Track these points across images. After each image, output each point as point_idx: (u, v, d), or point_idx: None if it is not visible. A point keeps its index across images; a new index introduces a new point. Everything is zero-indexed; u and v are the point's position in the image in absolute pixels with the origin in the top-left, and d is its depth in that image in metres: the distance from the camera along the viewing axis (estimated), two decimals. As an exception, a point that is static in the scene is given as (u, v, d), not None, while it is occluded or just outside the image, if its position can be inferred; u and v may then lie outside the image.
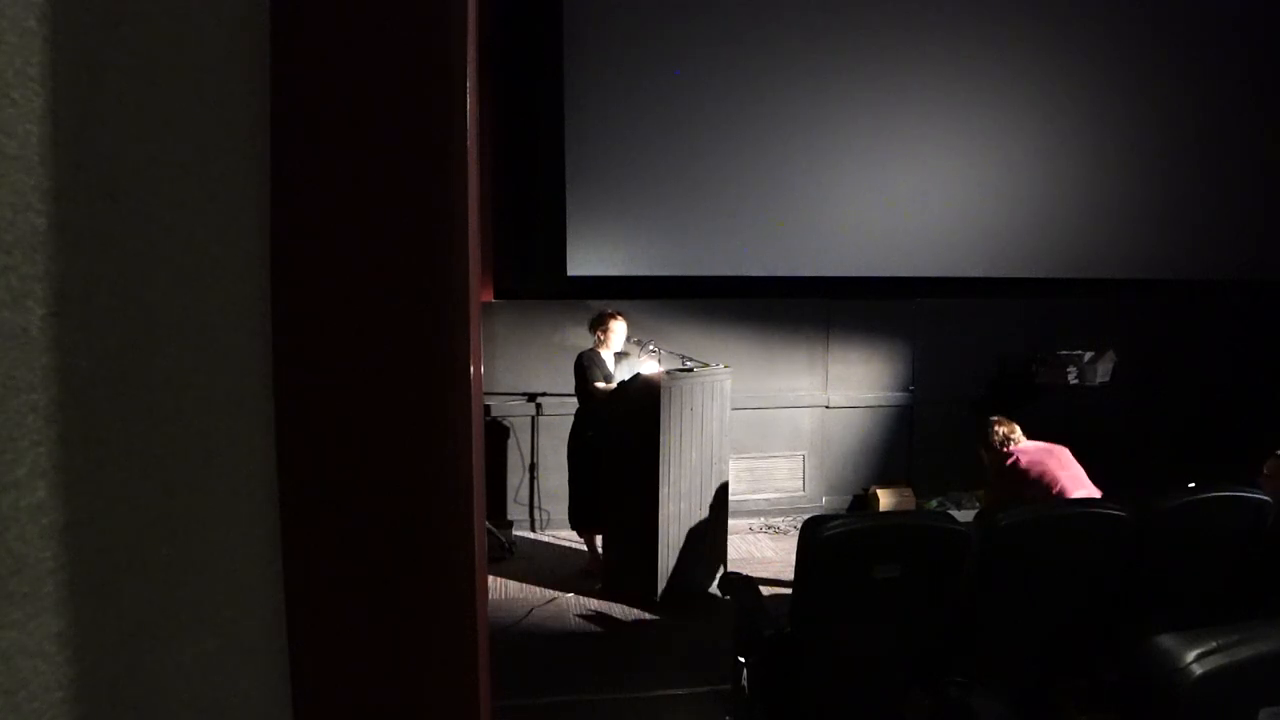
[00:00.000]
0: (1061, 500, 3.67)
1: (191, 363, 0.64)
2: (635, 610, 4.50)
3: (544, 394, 5.83)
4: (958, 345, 6.41)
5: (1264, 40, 6.44)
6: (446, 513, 0.82)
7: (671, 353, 5.08)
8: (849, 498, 6.47)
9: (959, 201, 6.17)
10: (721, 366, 4.96)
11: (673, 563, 4.56)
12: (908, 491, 6.18)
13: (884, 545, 2.52)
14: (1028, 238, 6.30)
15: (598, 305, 5.25)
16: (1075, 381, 6.06)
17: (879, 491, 6.17)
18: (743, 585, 3.15)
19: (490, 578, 4.73)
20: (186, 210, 0.63)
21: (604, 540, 4.86)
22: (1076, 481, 3.86)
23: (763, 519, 6.10)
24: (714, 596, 4.65)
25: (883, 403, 6.43)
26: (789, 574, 3.70)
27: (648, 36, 5.67)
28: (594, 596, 4.66)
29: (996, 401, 6.42)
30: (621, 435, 4.55)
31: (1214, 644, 1.28)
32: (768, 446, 6.26)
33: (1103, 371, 6.08)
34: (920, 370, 6.43)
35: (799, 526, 2.60)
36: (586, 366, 4.74)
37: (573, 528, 5.08)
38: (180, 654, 0.62)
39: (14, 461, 0.46)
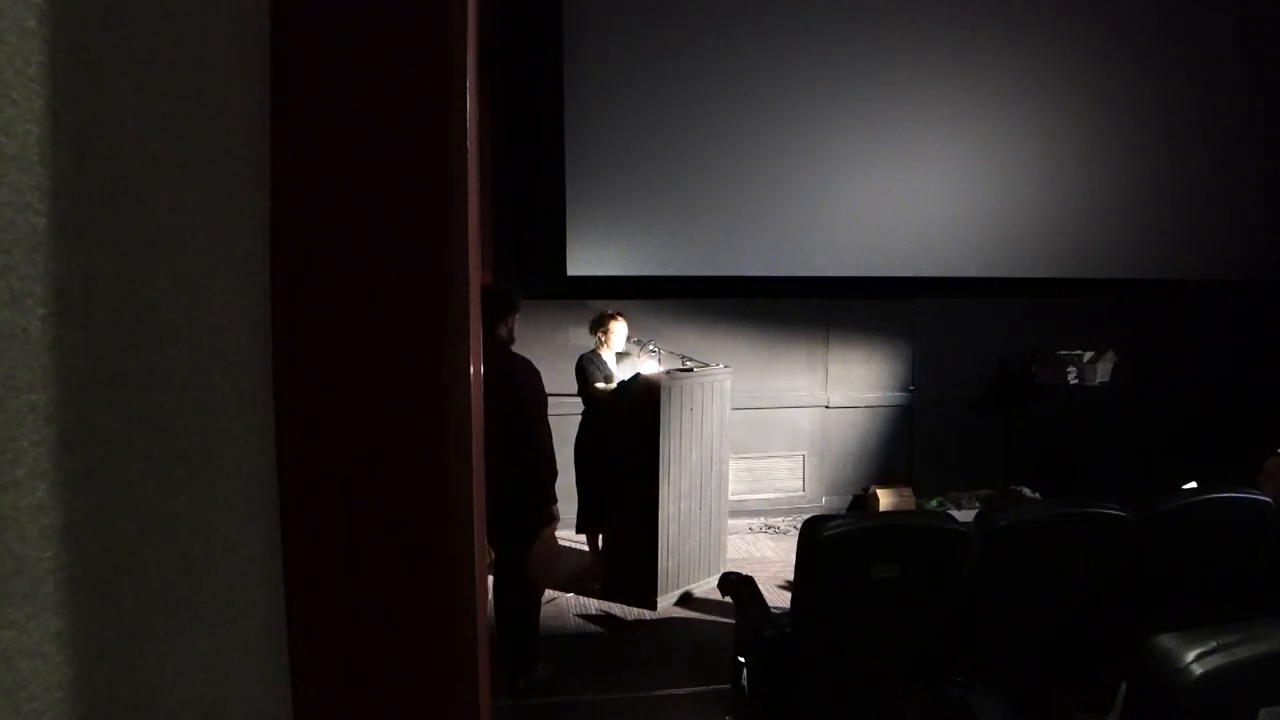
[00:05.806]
0: (1062, 501, 3.66)
1: (191, 363, 0.64)
2: (635, 610, 4.50)
3: (544, 394, 5.82)
4: (958, 345, 6.40)
5: (1265, 39, 6.44)
6: (446, 512, 0.82)
7: (671, 353, 5.08)
8: (849, 498, 6.47)
9: (959, 201, 6.17)
10: (721, 366, 4.96)
11: (673, 563, 4.56)
12: (908, 491, 6.17)
13: (884, 545, 2.52)
14: (1028, 238, 6.30)
15: (598, 305, 5.24)
16: (1075, 381, 6.06)
17: (879, 491, 6.17)
18: (742, 585, 3.14)
19: (490, 578, 4.73)
20: (186, 210, 0.63)
21: (604, 540, 4.85)
22: None
23: (763, 519, 6.10)
24: (714, 596, 4.65)
25: (883, 403, 6.43)
26: (789, 574, 3.70)
27: (648, 36, 5.67)
28: (594, 596, 4.66)
29: (997, 401, 6.44)
30: (622, 435, 4.56)
31: (1214, 644, 1.28)
32: (768, 446, 6.26)
33: (1103, 371, 6.08)
34: (920, 370, 6.43)
35: (799, 526, 2.59)
36: (587, 368, 4.75)
37: (578, 531, 5.03)
38: (180, 654, 0.62)
39: (14, 461, 0.46)
